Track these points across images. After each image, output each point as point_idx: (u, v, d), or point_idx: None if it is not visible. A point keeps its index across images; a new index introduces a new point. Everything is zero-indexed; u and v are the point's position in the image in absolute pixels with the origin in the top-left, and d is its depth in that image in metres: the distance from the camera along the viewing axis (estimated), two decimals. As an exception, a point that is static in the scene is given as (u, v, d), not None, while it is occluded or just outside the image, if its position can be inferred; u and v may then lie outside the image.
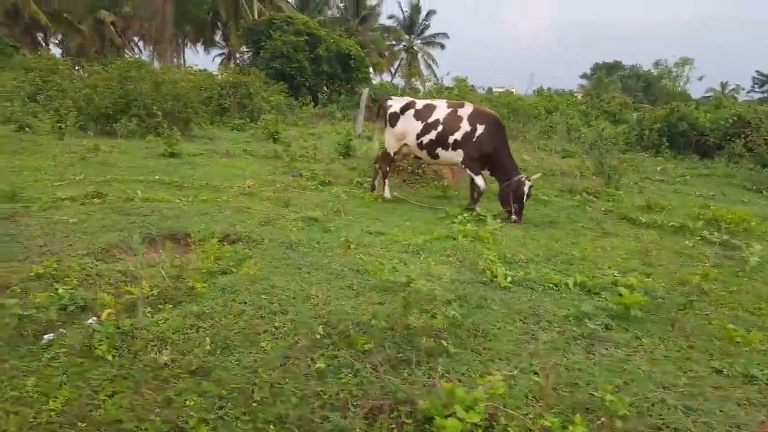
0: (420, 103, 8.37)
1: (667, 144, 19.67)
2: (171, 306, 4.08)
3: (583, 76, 78.96)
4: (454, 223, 7.16)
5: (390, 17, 59.57)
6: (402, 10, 60.01)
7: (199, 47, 51.39)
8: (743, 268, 5.70)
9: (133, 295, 3.99)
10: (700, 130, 19.30)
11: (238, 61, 43.23)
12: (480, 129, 7.74)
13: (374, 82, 38.25)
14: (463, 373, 3.17)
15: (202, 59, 63.57)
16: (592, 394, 3.00)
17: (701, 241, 6.82)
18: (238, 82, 22.86)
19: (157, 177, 9.14)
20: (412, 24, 60.65)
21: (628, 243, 6.75)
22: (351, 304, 4.08)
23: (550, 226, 7.53)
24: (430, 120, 8.09)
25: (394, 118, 8.45)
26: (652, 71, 72.88)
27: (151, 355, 3.40)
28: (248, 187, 8.78)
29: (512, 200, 7.47)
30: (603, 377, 3.20)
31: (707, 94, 70.00)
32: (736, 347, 3.70)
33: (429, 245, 5.89)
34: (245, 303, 4.09)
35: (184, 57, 51.07)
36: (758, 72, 78.02)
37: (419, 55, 61.68)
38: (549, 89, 42.83)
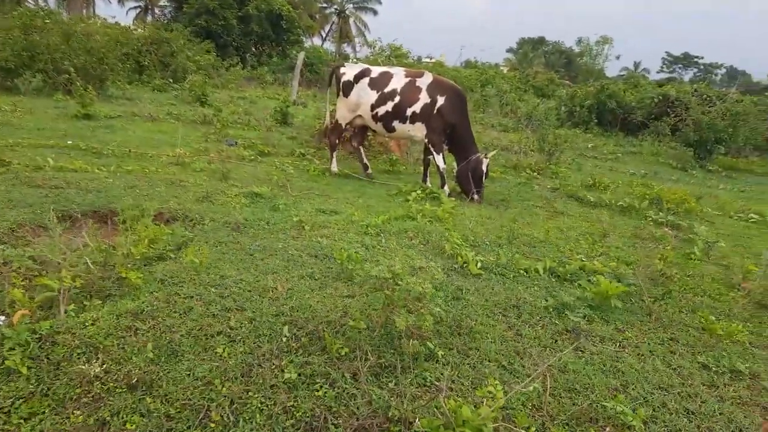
0: (376, 71, 7.78)
1: (596, 121, 20.28)
2: (99, 302, 3.45)
3: (510, 50, 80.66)
4: (408, 200, 6.81)
5: (322, -22, 57.30)
6: (334, -29, 58.03)
7: (113, -1, 47.02)
8: (694, 250, 5.74)
9: (51, 289, 3.31)
10: (626, 109, 20.00)
11: (157, 16, 40.13)
12: (441, 101, 7.29)
13: (306, 45, 36.79)
14: (454, 381, 2.83)
15: (115, 11, 58.47)
16: (596, 402, 2.76)
17: (651, 222, 6.88)
18: (160, 38, 21.11)
19: (70, 142, 8.10)
20: (344, -14, 58.85)
21: (581, 223, 6.68)
22: (316, 298, 3.62)
23: (503, 205, 7.34)
24: (387, 90, 7.54)
25: (347, 87, 7.82)
26: (573, 48, 75.45)
27: (78, 365, 2.81)
28: (179, 156, 7.96)
29: (473, 179, 7.15)
30: (599, 379, 2.98)
31: (621, 73, 73.74)
32: (716, 339, 3.61)
33: (388, 226, 5.48)
34: (192, 298, 3.53)
35: (94, 8, 46.72)
36: (668, 53, 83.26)
37: (351, 20, 60.19)
38: (476, 61, 43.15)
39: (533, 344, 3.28)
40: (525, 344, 3.27)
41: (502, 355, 3.13)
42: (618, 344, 3.41)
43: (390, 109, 7.47)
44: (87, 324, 3.13)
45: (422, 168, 8.05)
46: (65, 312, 3.23)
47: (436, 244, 5.07)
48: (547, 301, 3.90)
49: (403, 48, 24.32)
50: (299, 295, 3.64)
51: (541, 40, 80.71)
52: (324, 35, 58.58)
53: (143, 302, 3.40)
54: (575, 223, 6.69)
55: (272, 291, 3.69)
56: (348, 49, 59.22)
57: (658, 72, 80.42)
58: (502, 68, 52.67)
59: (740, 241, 6.65)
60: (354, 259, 3.98)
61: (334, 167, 8.17)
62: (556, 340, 3.36)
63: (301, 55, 19.45)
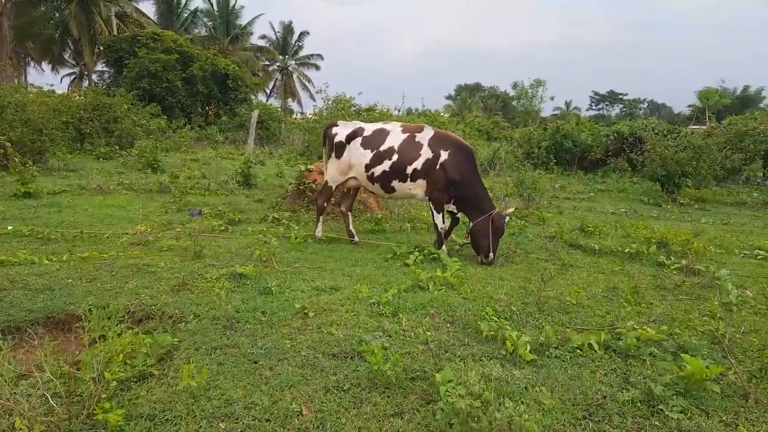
0: (369, 129, 7.14)
1: (555, 161, 20.45)
2: (69, 459, 2.54)
3: (449, 96, 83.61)
4: (408, 265, 6.13)
5: (262, 37, 57.89)
6: (274, 30, 58.83)
7: (45, 66, 45.32)
8: (730, 299, 5.27)
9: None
10: (583, 148, 20.28)
11: (95, 81, 38.81)
12: (444, 155, 6.69)
13: (254, 102, 36.28)
14: None
15: (48, 79, 56.51)
16: None
17: (674, 270, 6.42)
18: (102, 104, 20.04)
19: (10, 228, 7.02)
20: (285, 45, 59.59)
21: (597, 276, 6.16)
22: (356, 423, 2.82)
23: (507, 261, 6.76)
24: (383, 148, 6.90)
25: (339, 148, 7.15)
26: (508, 92, 78.87)
27: None
28: (140, 233, 7.02)
29: (492, 237, 6.51)
30: None
31: (555, 112, 77.46)
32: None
33: (402, 301, 4.75)
34: (195, 440, 2.66)
35: (26, 77, 45.00)
36: (594, 92, 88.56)
37: (294, 76, 60.66)
38: (423, 108, 43.79)
39: (647, 462, 2.59)
40: (637, 463, 2.58)
41: (620, 485, 2.42)
42: (740, 447, 2.76)
43: (387, 168, 6.83)
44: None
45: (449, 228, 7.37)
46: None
47: (465, 321, 4.37)
48: (628, 391, 3.24)
49: (350, 99, 24.11)
50: (333, 421, 2.83)
51: (478, 86, 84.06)
52: (268, 92, 58.58)
53: (130, 456, 2.52)
54: (591, 276, 6.16)
55: (297, 417, 2.87)
56: (294, 105, 59.37)
57: (587, 110, 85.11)
58: (443, 114, 53.91)
59: (761, 282, 6.27)
60: (394, 362, 3.21)
61: (319, 232, 7.40)
62: (670, 451, 2.69)
63: (255, 113, 18.84)
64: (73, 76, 46.34)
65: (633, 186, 16.04)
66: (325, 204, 7.44)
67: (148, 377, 3.33)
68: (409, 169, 6.71)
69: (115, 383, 3.08)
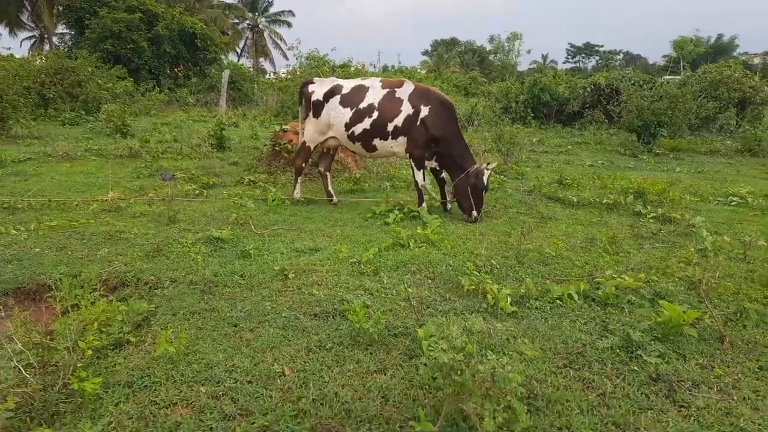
0: (348, 86, 6.87)
1: (532, 115, 20.36)
2: (47, 429, 2.48)
3: (425, 52, 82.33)
4: (388, 224, 6.08)
5: (230, -6, 55.65)
6: (243, -14, 56.61)
7: (2, 29, 43.00)
8: (704, 246, 5.34)
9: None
10: (560, 101, 20.19)
11: (56, 44, 37.12)
12: (425, 110, 6.50)
13: (224, 62, 35.18)
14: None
15: (6, 43, 53.88)
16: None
17: (651, 219, 6.49)
18: (63, 67, 19.20)
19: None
20: (254, 1, 57.53)
21: (576, 228, 6.19)
22: (339, 381, 2.81)
23: (486, 216, 6.76)
24: (362, 105, 6.66)
25: (317, 107, 6.88)
26: (485, 47, 77.82)
27: None
28: (112, 200, 6.82)
29: (472, 194, 6.43)
30: (730, 448, 2.36)
31: (532, 66, 76.93)
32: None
33: (383, 260, 4.72)
34: (175, 405, 2.62)
35: (-21, 42, 42.71)
36: (570, 44, 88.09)
37: (265, 34, 58.87)
38: (393, 66, 43.07)
39: (627, 407, 2.62)
40: (617, 408, 2.61)
41: None
42: (716, 389, 2.82)
43: (368, 127, 6.63)
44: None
45: (438, 188, 7.30)
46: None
47: (446, 277, 4.37)
48: (607, 338, 3.29)
49: (324, 56, 23.52)
50: (316, 380, 2.82)
51: (454, 41, 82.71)
52: (239, 51, 56.87)
53: (110, 424, 2.47)
54: (569, 228, 6.20)
55: (279, 378, 2.84)
56: (266, 64, 57.82)
57: (564, 62, 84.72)
58: (420, 71, 53.10)
59: (735, 227, 6.39)
60: (376, 320, 3.19)
61: (298, 194, 7.26)
62: (648, 396, 2.73)
63: (226, 74, 18.24)
64: (33, 40, 44.19)
65: (610, 138, 16.11)
66: (303, 165, 7.26)
67: (125, 344, 3.26)
68: (390, 126, 6.54)
69: (90, 352, 3.01)
